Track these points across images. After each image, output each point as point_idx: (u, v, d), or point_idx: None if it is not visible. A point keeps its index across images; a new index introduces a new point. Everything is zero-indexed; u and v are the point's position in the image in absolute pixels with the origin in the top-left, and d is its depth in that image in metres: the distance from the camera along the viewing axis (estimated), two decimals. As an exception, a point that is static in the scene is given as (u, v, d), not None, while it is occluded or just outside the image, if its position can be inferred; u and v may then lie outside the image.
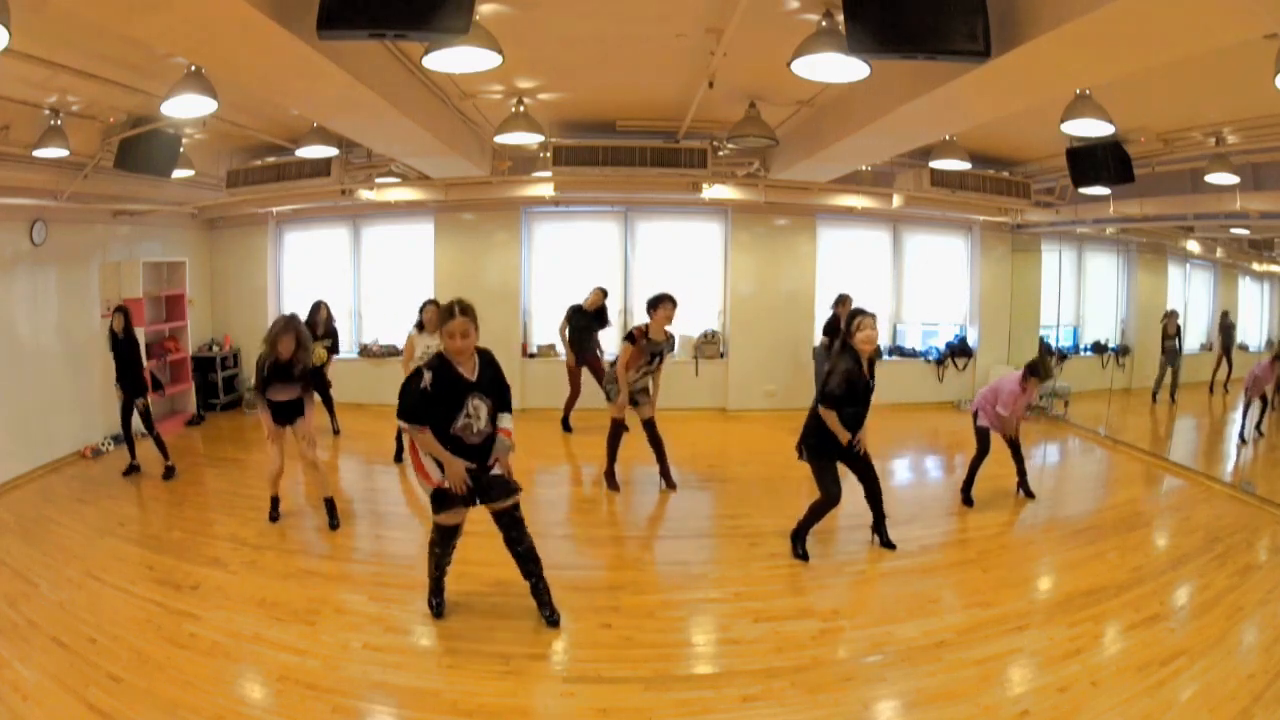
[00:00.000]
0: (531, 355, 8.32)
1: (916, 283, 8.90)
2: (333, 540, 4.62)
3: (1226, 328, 7.48)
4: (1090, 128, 4.17)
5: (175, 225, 7.90)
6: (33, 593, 3.79)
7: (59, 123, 4.63)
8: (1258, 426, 6.61)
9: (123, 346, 5.77)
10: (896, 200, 7.64)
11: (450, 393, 3.19)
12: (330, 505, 4.80)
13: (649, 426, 5.38)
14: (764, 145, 5.55)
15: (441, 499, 3.32)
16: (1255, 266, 7.47)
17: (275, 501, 4.87)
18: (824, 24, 3.12)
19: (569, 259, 8.36)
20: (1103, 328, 8.66)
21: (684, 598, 3.88)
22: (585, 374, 7.25)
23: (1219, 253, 7.71)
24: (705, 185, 7.26)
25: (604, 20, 3.71)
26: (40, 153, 4.68)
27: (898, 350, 8.73)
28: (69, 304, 6.47)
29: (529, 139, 5.08)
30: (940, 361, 8.63)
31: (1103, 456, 6.81)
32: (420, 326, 5.93)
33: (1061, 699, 2.92)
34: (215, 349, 8.20)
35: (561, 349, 7.83)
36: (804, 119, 5.43)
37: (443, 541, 3.46)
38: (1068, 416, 7.99)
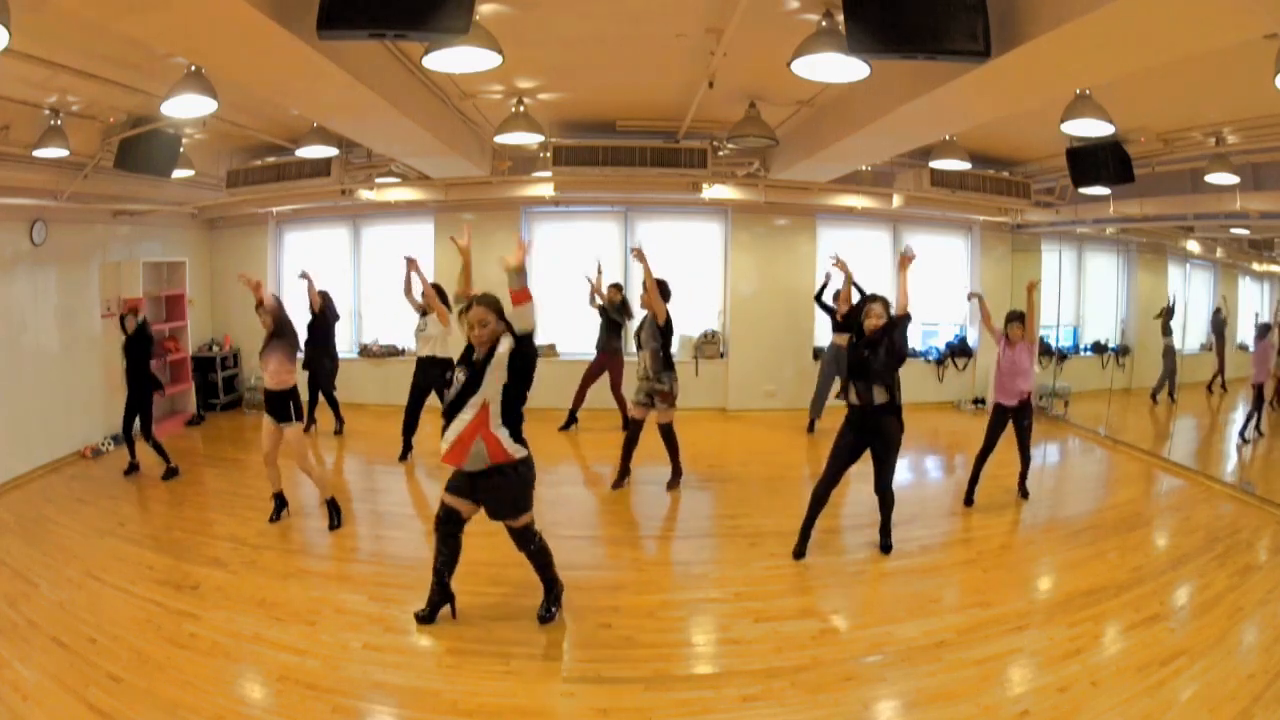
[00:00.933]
0: (531, 355, 8.30)
1: (916, 283, 8.85)
2: (333, 540, 4.61)
3: (1219, 324, 7.48)
4: (1090, 128, 4.17)
5: (175, 225, 7.90)
6: (33, 593, 3.79)
7: (59, 123, 4.63)
8: (1258, 426, 6.61)
9: (133, 346, 5.78)
10: (896, 200, 7.65)
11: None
12: (332, 506, 4.80)
13: (665, 430, 5.40)
14: (764, 145, 5.55)
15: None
16: (1255, 266, 7.47)
17: (278, 500, 4.84)
18: (824, 24, 3.12)
19: (569, 259, 8.35)
20: (1103, 328, 8.66)
21: (684, 598, 3.88)
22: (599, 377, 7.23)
23: (1219, 253, 7.70)
24: (705, 185, 7.26)
25: (604, 20, 3.71)
26: (40, 153, 4.67)
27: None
28: (69, 304, 6.47)
29: (529, 139, 5.08)
30: (940, 361, 8.64)
31: (1103, 456, 6.81)
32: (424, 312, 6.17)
33: (1061, 699, 2.92)
34: (215, 349, 8.20)
35: (562, 349, 7.87)
36: (804, 119, 5.42)
37: (441, 524, 3.43)
38: (1068, 416, 7.99)
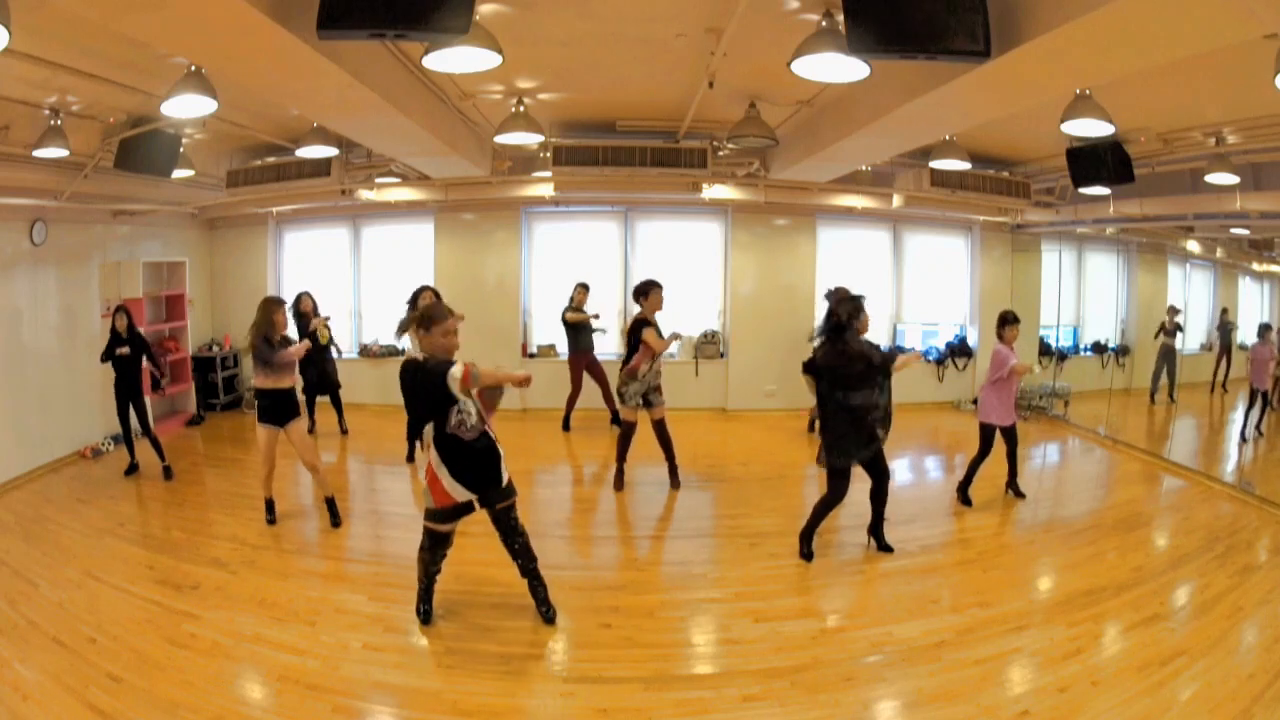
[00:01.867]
0: (531, 355, 8.32)
1: (916, 283, 8.90)
2: (333, 540, 4.62)
3: (1225, 326, 7.48)
4: (1090, 128, 4.17)
5: (175, 225, 7.90)
6: (33, 593, 3.79)
7: (59, 123, 4.63)
8: (1258, 426, 6.61)
9: (132, 341, 5.78)
10: (896, 200, 7.64)
11: (439, 398, 3.13)
12: (331, 504, 4.80)
13: (659, 427, 5.41)
14: (764, 145, 5.54)
15: (441, 516, 3.34)
16: (1255, 266, 7.47)
17: (270, 504, 4.84)
18: (824, 24, 3.12)
19: (569, 259, 8.36)
20: (1103, 328, 8.66)
21: (684, 598, 3.88)
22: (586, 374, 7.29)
23: (1219, 253, 7.71)
24: (705, 185, 7.26)
25: (604, 20, 3.71)
26: (40, 153, 4.68)
27: (898, 350, 8.72)
28: (69, 304, 6.47)
29: (529, 139, 5.08)
30: (940, 362, 8.64)
31: (1103, 456, 6.81)
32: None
33: (1061, 699, 2.92)
34: (215, 349, 8.20)
35: (562, 348, 7.87)
36: (804, 119, 5.42)
37: (433, 548, 3.45)
38: (1068, 416, 7.99)
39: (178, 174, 5.63)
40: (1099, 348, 8.59)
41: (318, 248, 8.78)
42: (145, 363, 5.98)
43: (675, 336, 5.43)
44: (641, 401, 5.33)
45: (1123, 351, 8.44)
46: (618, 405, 5.55)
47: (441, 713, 2.89)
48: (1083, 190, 6.14)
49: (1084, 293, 8.75)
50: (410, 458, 6.17)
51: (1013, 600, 3.81)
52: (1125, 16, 2.47)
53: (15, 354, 5.89)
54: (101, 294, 6.81)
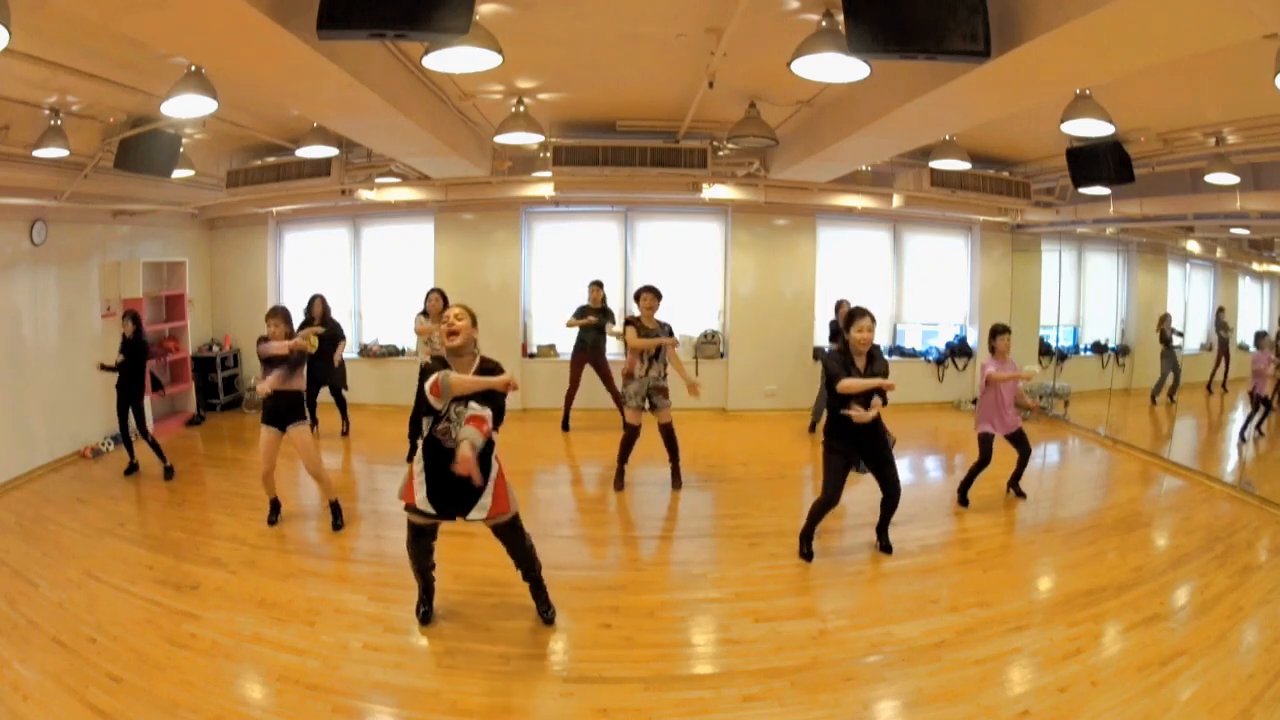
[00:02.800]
0: (531, 355, 8.32)
1: (916, 283, 8.90)
2: (333, 540, 4.61)
3: (1222, 325, 7.49)
4: (1090, 128, 4.17)
5: (175, 225, 7.90)
6: (33, 593, 3.79)
7: (59, 123, 4.62)
8: (1258, 427, 6.61)
9: (131, 351, 5.78)
10: (896, 200, 7.64)
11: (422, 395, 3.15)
12: (335, 508, 4.80)
13: (666, 431, 5.41)
14: (764, 145, 5.54)
15: (413, 510, 3.29)
16: (1255, 266, 7.47)
17: (274, 505, 4.83)
18: (824, 24, 3.12)
19: (569, 259, 8.36)
20: (1103, 328, 8.66)
21: (684, 598, 3.88)
22: (588, 373, 7.28)
23: (1219, 253, 7.71)
24: (705, 185, 7.26)
25: (604, 20, 3.71)
26: (40, 153, 4.67)
27: (898, 350, 8.73)
28: (69, 304, 6.47)
29: (529, 139, 5.08)
30: (940, 362, 8.64)
31: (1103, 456, 6.81)
32: (425, 314, 6.05)
33: (1061, 699, 2.92)
34: (215, 349, 8.20)
35: (562, 348, 7.88)
36: (804, 119, 5.42)
37: (414, 540, 3.39)
38: (1068, 416, 7.99)
39: (178, 174, 5.63)
40: (1099, 348, 8.59)
41: (318, 248, 8.78)
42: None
43: (660, 341, 5.31)
44: (646, 404, 5.32)
45: (1123, 351, 8.44)
46: (623, 407, 5.55)
47: (441, 713, 2.89)
48: (1083, 190, 6.14)
49: (1084, 293, 8.75)
50: (410, 457, 6.15)
51: (1013, 600, 3.82)
52: (1125, 16, 2.47)
53: (15, 354, 5.88)
54: (101, 294, 6.81)
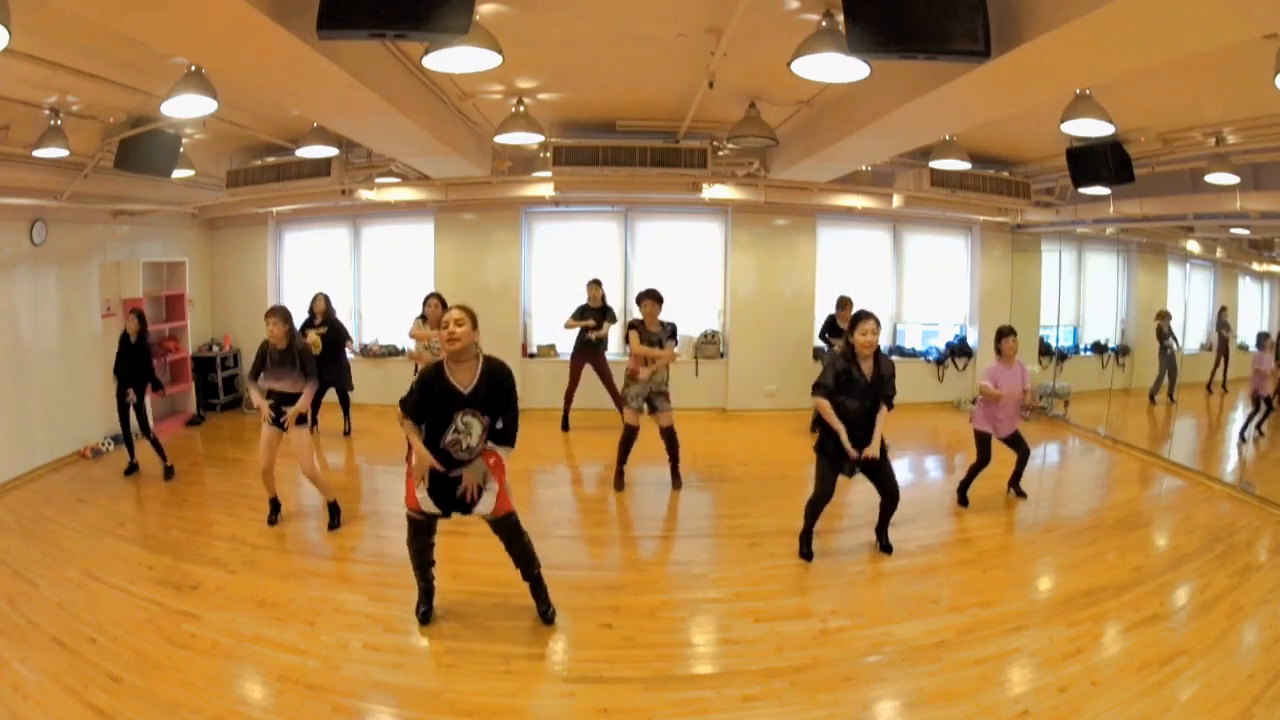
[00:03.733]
0: (531, 355, 8.32)
1: (916, 283, 8.90)
2: (333, 540, 4.61)
3: (1223, 325, 7.48)
4: (1090, 128, 4.17)
5: (175, 225, 7.90)
6: (33, 593, 3.79)
7: (59, 123, 4.62)
8: (1259, 427, 6.61)
9: (133, 350, 5.79)
10: (896, 200, 7.64)
11: (440, 404, 3.14)
12: (333, 509, 4.79)
13: (667, 434, 5.39)
14: (764, 145, 5.54)
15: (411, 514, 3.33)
16: (1255, 266, 7.47)
17: (274, 504, 4.82)
18: (824, 24, 3.12)
19: (569, 259, 8.37)
20: (1103, 328, 8.66)
21: (684, 598, 3.88)
22: (587, 373, 7.28)
23: (1219, 253, 7.71)
24: (705, 185, 7.26)
25: (604, 20, 3.71)
26: (40, 153, 4.67)
27: (898, 350, 8.73)
28: (69, 304, 6.47)
29: (529, 139, 5.08)
30: (940, 362, 8.64)
31: (1103, 456, 6.81)
32: (424, 319, 5.96)
33: (1061, 699, 2.92)
34: (215, 349, 8.20)
35: (562, 349, 7.88)
36: (804, 119, 5.42)
37: (414, 537, 3.40)
38: (1068, 416, 7.99)
39: (178, 174, 5.63)
40: (1099, 348, 8.59)
41: (318, 248, 8.78)
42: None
43: (659, 358, 5.27)
44: (645, 406, 5.31)
45: (1123, 351, 8.44)
46: (622, 407, 5.53)
47: (441, 713, 2.88)
48: (1083, 190, 6.14)
49: (1084, 293, 8.75)
50: (409, 456, 6.14)
51: (1013, 600, 3.81)
52: (1125, 16, 2.47)
53: (15, 354, 5.88)
54: (101, 294, 6.81)
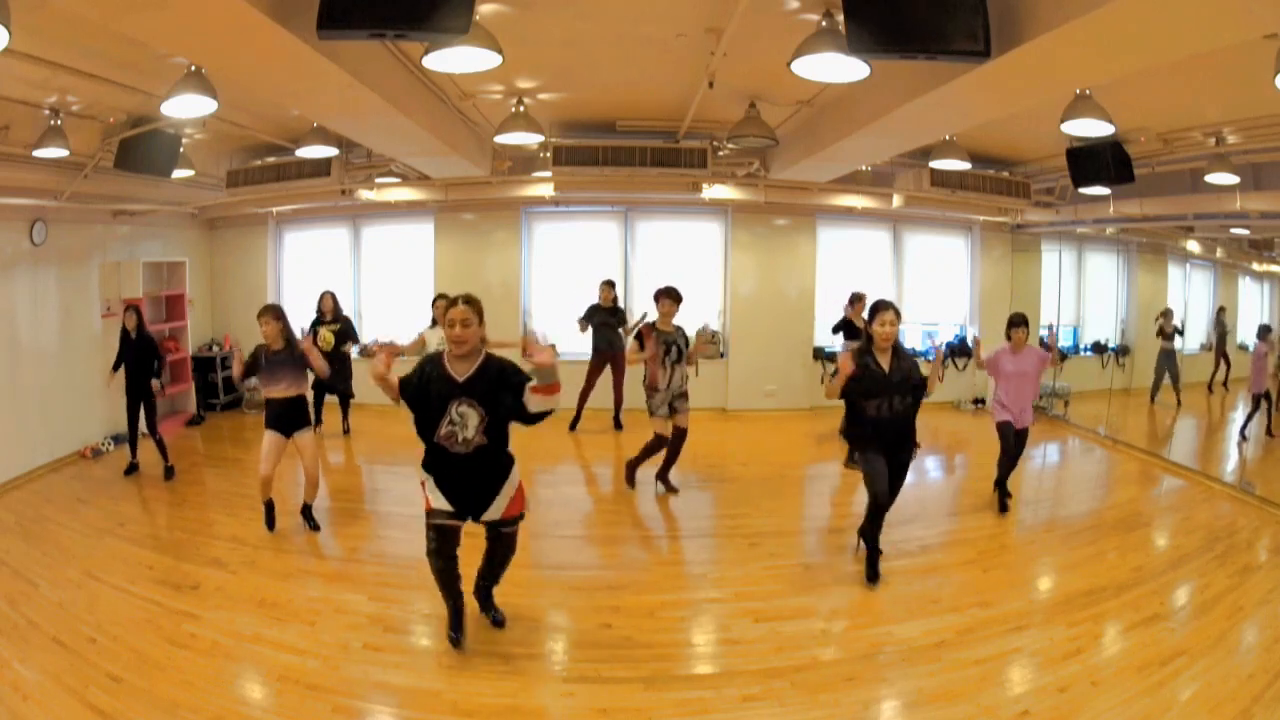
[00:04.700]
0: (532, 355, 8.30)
1: (916, 283, 8.90)
2: (333, 540, 4.61)
3: (1222, 325, 7.48)
4: (1090, 128, 4.17)
5: (175, 225, 7.90)
6: (33, 593, 3.79)
7: (59, 123, 4.62)
8: (1268, 430, 6.55)
9: (135, 344, 5.77)
10: (896, 200, 7.64)
11: (435, 394, 3.02)
12: (306, 510, 4.71)
13: (679, 435, 5.30)
14: (764, 145, 5.55)
15: (434, 514, 3.18)
16: (1255, 266, 7.47)
17: (269, 508, 4.68)
18: (824, 24, 3.12)
19: (569, 259, 8.36)
20: (1103, 328, 8.66)
21: (684, 598, 3.88)
22: (604, 375, 7.23)
23: (1219, 253, 7.71)
24: (705, 185, 7.26)
25: (604, 20, 3.71)
26: (40, 153, 4.67)
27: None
28: (69, 304, 6.47)
29: (529, 139, 5.08)
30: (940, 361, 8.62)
31: (1103, 456, 6.81)
32: (435, 322, 5.88)
33: (1061, 699, 2.92)
34: (215, 349, 8.20)
35: (562, 349, 7.86)
36: (804, 119, 5.42)
37: (436, 552, 3.16)
38: (1068, 416, 7.99)
39: (178, 174, 5.63)
40: (1099, 348, 8.59)
41: (318, 248, 8.79)
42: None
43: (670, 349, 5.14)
44: (667, 410, 5.18)
45: (1123, 351, 8.44)
46: (649, 418, 5.37)
47: (441, 713, 2.88)
48: (1083, 190, 6.14)
49: (1084, 293, 8.76)
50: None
51: (1013, 600, 3.81)
52: (1125, 17, 2.47)
53: (15, 354, 5.88)
54: (101, 294, 6.81)
